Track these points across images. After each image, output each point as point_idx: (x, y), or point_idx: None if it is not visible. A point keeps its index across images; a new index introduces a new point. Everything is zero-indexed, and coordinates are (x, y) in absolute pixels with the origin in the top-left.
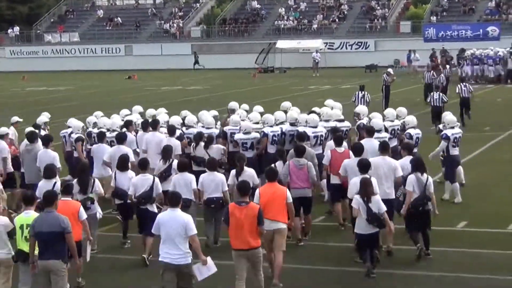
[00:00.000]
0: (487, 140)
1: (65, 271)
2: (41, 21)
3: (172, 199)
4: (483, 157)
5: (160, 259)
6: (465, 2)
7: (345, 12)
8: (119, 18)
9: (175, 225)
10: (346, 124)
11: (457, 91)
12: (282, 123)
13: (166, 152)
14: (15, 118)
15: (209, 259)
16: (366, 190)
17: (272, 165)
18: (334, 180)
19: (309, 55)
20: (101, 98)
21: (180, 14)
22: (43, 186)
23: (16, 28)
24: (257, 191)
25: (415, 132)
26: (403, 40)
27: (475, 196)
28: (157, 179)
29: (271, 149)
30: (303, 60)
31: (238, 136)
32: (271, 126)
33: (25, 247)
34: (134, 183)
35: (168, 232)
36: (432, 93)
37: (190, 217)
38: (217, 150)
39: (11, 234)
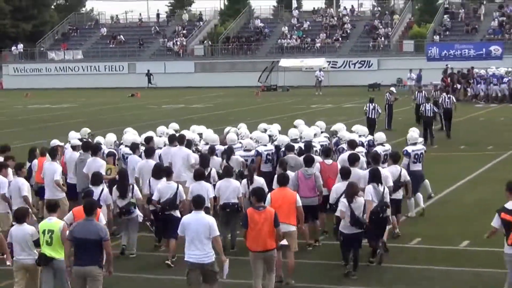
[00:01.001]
0: (490, 159)
1: (101, 275)
2: (45, 39)
3: (196, 202)
4: (486, 175)
5: (186, 259)
6: (468, 21)
7: (348, 31)
8: (122, 36)
9: (199, 227)
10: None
11: (440, 101)
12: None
13: (204, 161)
14: (87, 130)
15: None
16: (353, 191)
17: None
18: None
19: (312, 74)
20: (104, 115)
21: (183, 32)
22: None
23: (20, 46)
24: (269, 195)
25: (383, 149)
26: (406, 59)
27: (477, 215)
28: (181, 187)
29: (265, 168)
30: (306, 78)
31: (239, 153)
32: (265, 145)
33: (46, 251)
34: (159, 189)
35: (193, 233)
36: (424, 104)
37: (213, 219)
38: (236, 161)
39: (38, 243)
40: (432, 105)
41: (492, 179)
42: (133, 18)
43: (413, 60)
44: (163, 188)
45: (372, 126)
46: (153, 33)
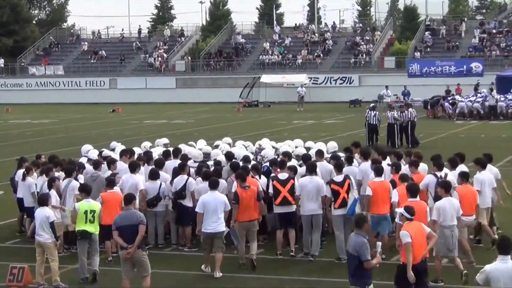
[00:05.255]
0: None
1: (147, 256)
2: (26, 54)
3: (212, 183)
4: None
5: (203, 230)
6: (449, 38)
7: (330, 47)
8: (103, 51)
9: (216, 202)
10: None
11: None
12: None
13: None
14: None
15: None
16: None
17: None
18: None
19: (294, 90)
20: (86, 131)
21: (165, 47)
22: (148, 186)
23: (1, 61)
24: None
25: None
26: (387, 75)
27: None
28: (190, 179)
29: None
30: (288, 94)
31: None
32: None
33: (87, 228)
34: (174, 181)
35: (210, 207)
36: (392, 113)
37: (225, 196)
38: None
39: (53, 225)
40: (393, 113)
41: None
42: (114, 33)
43: (394, 77)
44: (177, 181)
45: (373, 132)
46: (135, 49)
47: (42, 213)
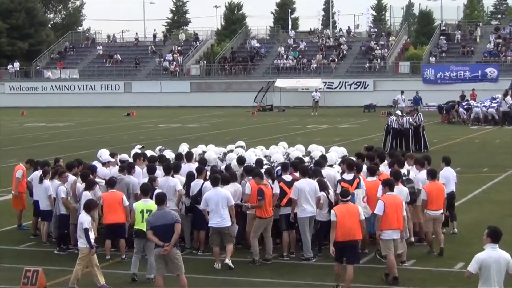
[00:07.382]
0: (485, 181)
1: (180, 255)
2: (41, 57)
3: (213, 180)
4: (481, 197)
5: (209, 225)
6: (464, 43)
7: (344, 52)
8: (118, 55)
9: (219, 198)
10: None
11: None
12: None
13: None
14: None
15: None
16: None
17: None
18: None
19: (308, 94)
20: (100, 134)
21: (179, 51)
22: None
23: (16, 64)
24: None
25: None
26: (402, 80)
27: (473, 237)
28: (206, 183)
29: None
30: (302, 99)
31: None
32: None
33: (143, 227)
34: (191, 185)
35: (214, 203)
36: (407, 118)
37: (228, 192)
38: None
39: (87, 231)
40: (408, 118)
41: (487, 201)
42: (129, 37)
43: (409, 82)
44: (193, 185)
45: (398, 136)
46: (149, 53)
47: (81, 219)
